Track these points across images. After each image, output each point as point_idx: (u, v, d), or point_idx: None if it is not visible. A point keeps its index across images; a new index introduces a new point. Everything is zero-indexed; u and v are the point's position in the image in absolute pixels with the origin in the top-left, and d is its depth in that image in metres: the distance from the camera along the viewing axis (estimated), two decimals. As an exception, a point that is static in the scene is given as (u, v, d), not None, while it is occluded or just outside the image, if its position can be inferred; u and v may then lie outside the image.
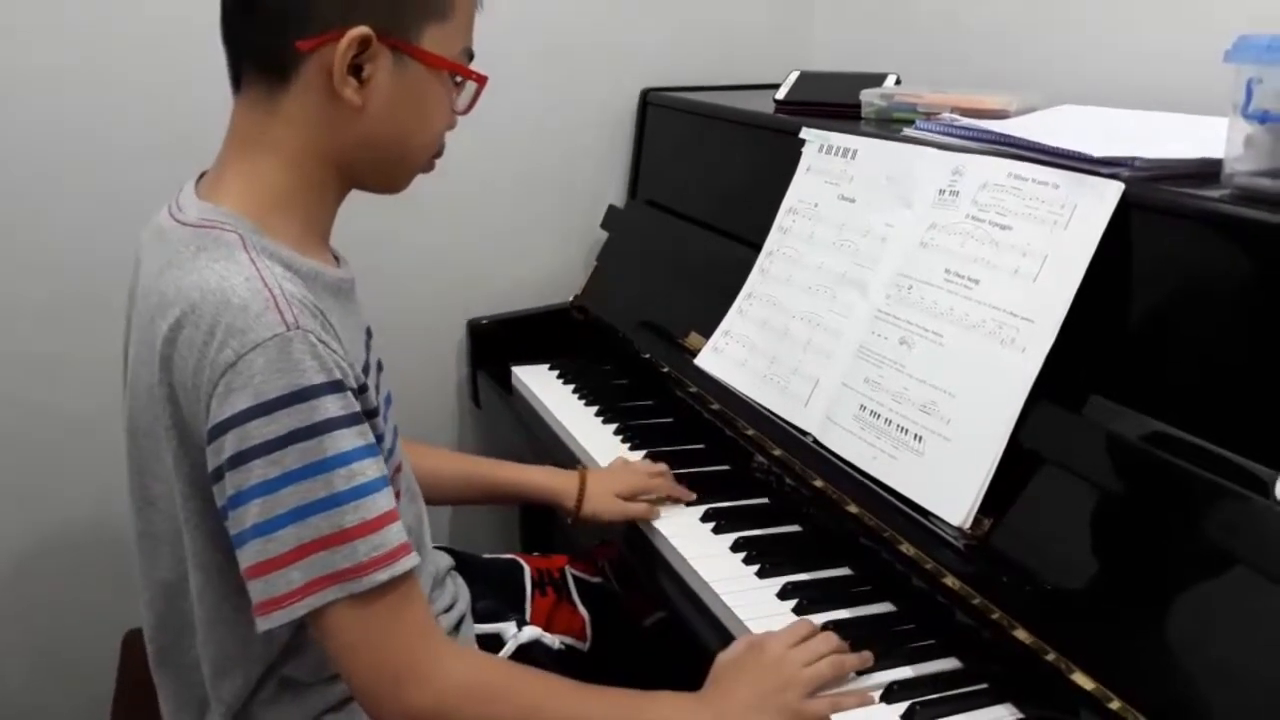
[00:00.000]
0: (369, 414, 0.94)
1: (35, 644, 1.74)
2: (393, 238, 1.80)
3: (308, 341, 0.87)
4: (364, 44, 0.92)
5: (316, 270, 0.96)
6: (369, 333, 1.07)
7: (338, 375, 0.88)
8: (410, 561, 0.90)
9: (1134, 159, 1.02)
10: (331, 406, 0.87)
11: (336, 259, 1.05)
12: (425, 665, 0.92)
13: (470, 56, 1.01)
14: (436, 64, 0.96)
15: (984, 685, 0.99)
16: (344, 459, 0.87)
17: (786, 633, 1.04)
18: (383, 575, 0.88)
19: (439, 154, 1.03)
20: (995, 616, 0.97)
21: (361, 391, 0.93)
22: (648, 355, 1.61)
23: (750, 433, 1.33)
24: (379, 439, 0.94)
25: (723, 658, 1.03)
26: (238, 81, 0.97)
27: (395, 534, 0.89)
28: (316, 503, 0.86)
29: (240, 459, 0.86)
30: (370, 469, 0.89)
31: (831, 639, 1.03)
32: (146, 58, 1.59)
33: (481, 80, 1.01)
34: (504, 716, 0.95)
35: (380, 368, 1.08)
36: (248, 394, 0.85)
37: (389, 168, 1.01)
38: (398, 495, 0.96)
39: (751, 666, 1.01)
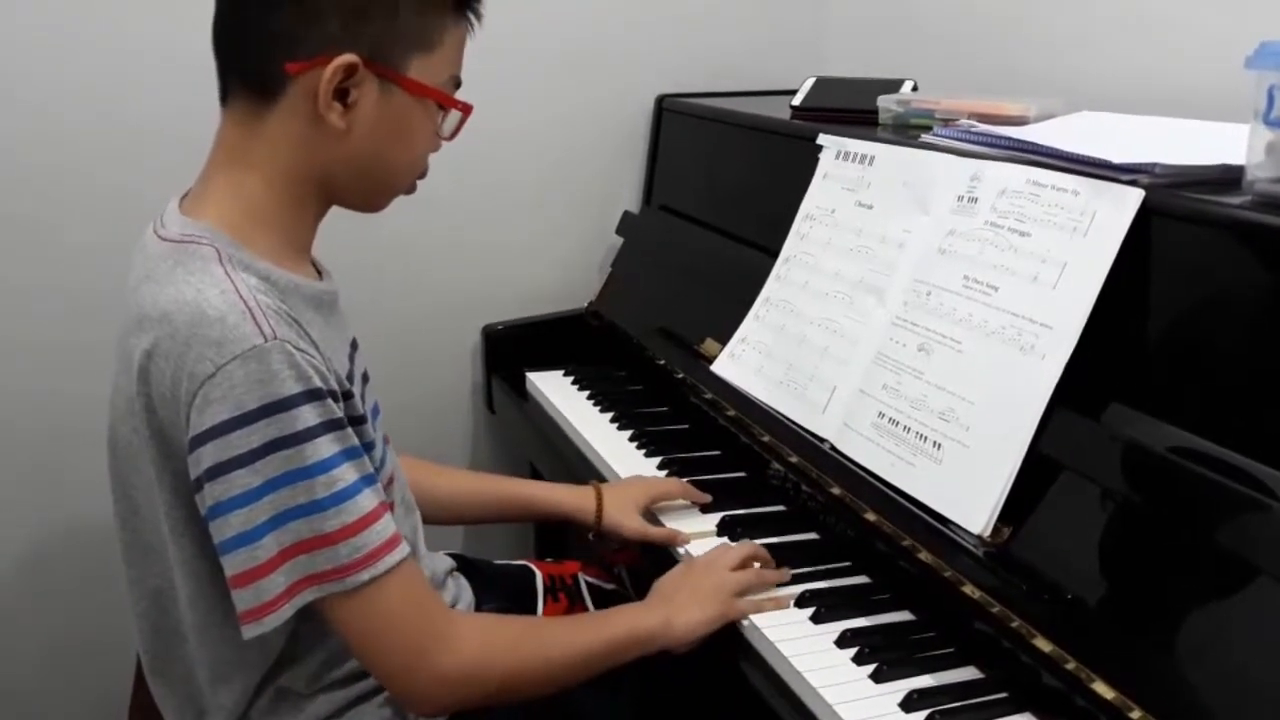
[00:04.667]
0: (355, 420, 0.95)
1: (51, 643, 1.74)
2: (408, 244, 1.81)
3: (284, 351, 0.88)
4: (350, 71, 0.93)
5: (295, 283, 0.97)
6: (354, 344, 1.08)
7: (316, 383, 0.90)
8: (399, 554, 0.93)
9: (1154, 165, 1.01)
10: (310, 415, 0.89)
11: (320, 272, 1.06)
12: (445, 634, 0.97)
13: (457, 84, 1.02)
14: (422, 93, 0.98)
15: (1003, 694, 0.98)
16: (324, 466, 0.89)
17: (714, 550, 1.19)
18: (365, 574, 0.91)
19: (422, 175, 1.05)
20: (1015, 625, 0.96)
21: (347, 398, 0.95)
22: (663, 361, 1.61)
23: (766, 439, 1.33)
24: (368, 447, 0.96)
25: (663, 577, 1.16)
26: (225, 95, 0.98)
27: (379, 532, 0.92)
28: (297, 509, 0.89)
29: (221, 469, 0.88)
30: (350, 473, 0.91)
31: (753, 547, 1.18)
32: (179, 51, 1.59)
33: (466, 109, 1.02)
34: (528, 657, 1.02)
35: (366, 379, 1.09)
36: (227, 405, 0.87)
37: (370, 189, 1.03)
38: (391, 507, 0.98)
39: (687, 574, 1.15)
